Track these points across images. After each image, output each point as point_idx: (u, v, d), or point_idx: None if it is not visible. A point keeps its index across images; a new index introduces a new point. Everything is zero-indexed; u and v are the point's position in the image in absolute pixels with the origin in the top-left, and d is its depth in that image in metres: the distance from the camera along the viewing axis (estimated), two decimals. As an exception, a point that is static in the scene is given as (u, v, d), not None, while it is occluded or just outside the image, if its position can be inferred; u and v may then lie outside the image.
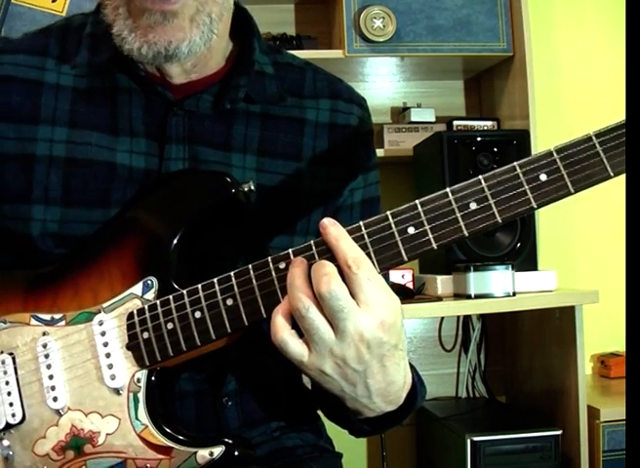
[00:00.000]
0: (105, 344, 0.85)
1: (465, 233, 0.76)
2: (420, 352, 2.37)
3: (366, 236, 0.78)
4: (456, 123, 2.25)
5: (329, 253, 0.77)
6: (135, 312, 0.85)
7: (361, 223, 0.78)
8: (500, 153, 1.98)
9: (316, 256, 0.78)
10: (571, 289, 2.07)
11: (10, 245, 0.96)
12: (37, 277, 0.91)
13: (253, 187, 0.88)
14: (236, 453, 0.84)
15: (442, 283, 1.94)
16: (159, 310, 0.84)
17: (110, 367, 0.85)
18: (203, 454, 0.83)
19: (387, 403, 0.83)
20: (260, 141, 0.99)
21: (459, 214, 0.76)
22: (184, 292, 0.83)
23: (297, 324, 0.77)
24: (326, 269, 0.75)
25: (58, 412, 0.86)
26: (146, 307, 0.85)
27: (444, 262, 1.95)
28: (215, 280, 0.82)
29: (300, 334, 0.77)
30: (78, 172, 0.94)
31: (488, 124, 2.26)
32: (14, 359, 0.88)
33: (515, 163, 0.76)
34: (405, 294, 1.88)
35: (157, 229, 0.89)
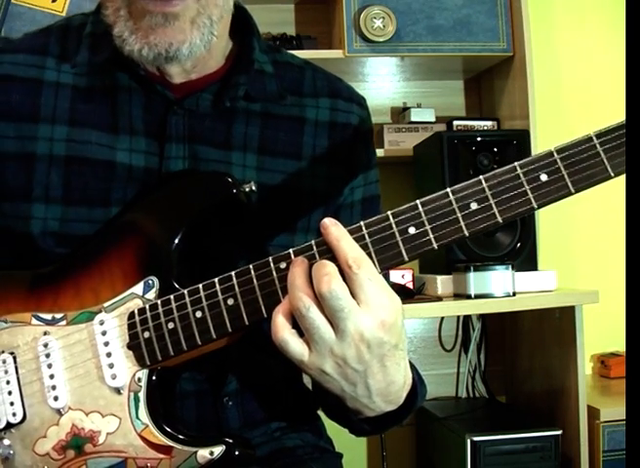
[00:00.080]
0: (106, 344, 0.86)
1: (466, 233, 0.77)
2: (420, 352, 2.37)
3: (367, 236, 0.78)
4: (456, 123, 2.25)
5: (330, 253, 0.77)
6: (136, 311, 0.85)
7: (362, 223, 0.78)
8: (500, 153, 1.98)
9: (317, 256, 0.78)
10: (571, 289, 2.07)
11: (11, 244, 0.96)
12: (38, 277, 0.91)
13: (254, 188, 0.88)
14: (236, 453, 0.84)
15: (442, 283, 1.94)
16: (160, 310, 0.84)
17: (111, 366, 0.85)
18: (203, 454, 0.83)
19: (387, 403, 0.83)
20: (261, 140, 0.99)
21: (459, 214, 0.76)
22: (185, 291, 0.83)
23: (297, 323, 0.77)
24: (327, 269, 0.75)
25: (58, 412, 0.86)
26: (147, 307, 0.85)
27: (444, 262, 1.95)
28: (216, 280, 0.82)
29: (301, 334, 0.77)
30: (78, 170, 0.94)
31: (488, 124, 2.26)
32: (15, 358, 0.88)
33: (516, 163, 0.76)
34: (405, 294, 1.88)
35: (158, 229, 0.89)
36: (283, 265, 0.80)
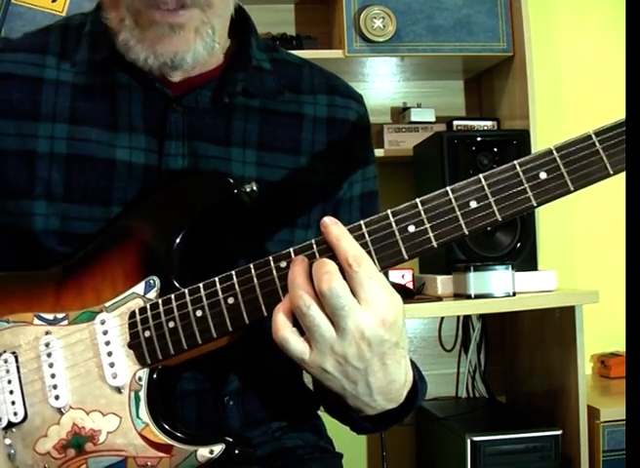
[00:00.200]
0: (107, 343, 0.86)
1: (466, 231, 0.77)
2: (421, 352, 2.37)
3: (366, 235, 0.78)
4: (456, 123, 2.25)
5: (330, 252, 0.77)
6: (136, 311, 0.85)
7: (362, 222, 0.78)
8: (500, 153, 1.98)
9: (317, 255, 0.78)
10: (571, 289, 2.07)
11: (14, 243, 0.96)
12: (40, 277, 0.92)
13: (255, 188, 0.88)
14: (236, 452, 0.84)
15: (442, 283, 1.94)
16: (161, 309, 0.84)
17: (112, 365, 0.85)
18: (203, 453, 0.83)
19: (388, 401, 0.83)
20: (260, 136, 0.99)
21: (459, 213, 0.77)
22: (186, 290, 0.84)
23: (298, 322, 0.77)
24: (327, 267, 0.75)
25: (59, 411, 0.86)
26: (148, 306, 0.85)
27: (444, 262, 1.96)
28: (216, 279, 0.82)
29: (302, 332, 0.77)
30: (79, 168, 0.94)
31: (488, 124, 2.26)
32: (16, 358, 0.88)
33: (515, 161, 0.76)
34: (405, 294, 1.87)
35: (160, 229, 0.89)
36: (283, 264, 0.80)
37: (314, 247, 0.79)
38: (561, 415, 1.96)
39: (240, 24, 1.02)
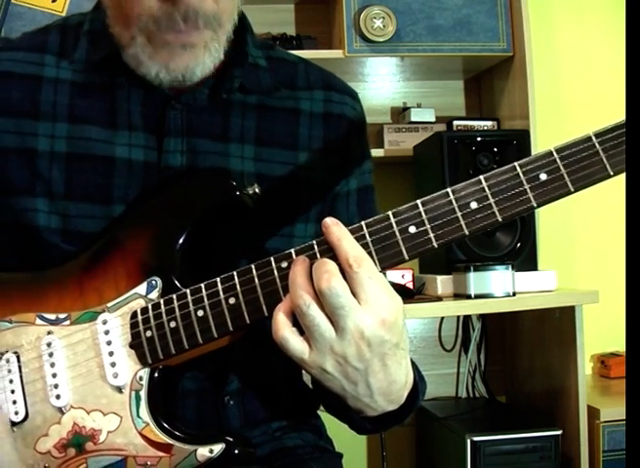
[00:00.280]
0: (109, 343, 0.86)
1: (466, 232, 0.77)
2: (421, 352, 2.37)
3: (367, 235, 0.78)
4: (456, 123, 2.25)
5: (331, 253, 0.77)
6: (138, 311, 0.85)
7: (362, 223, 0.79)
8: (500, 153, 1.98)
9: (318, 256, 0.78)
10: (571, 289, 2.07)
11: (18, 241, 0.96)
12: (42, 277, 0.92)
13: (257, 190, 0.89)
14: (236, 451, 0.84)
15: (442, 283, 1.94)
16: (162, 309, 0.84)
17: (113, 365, 0.85)
18: (203, 452, 0.83)
19: (389, 402, 0.83)
20: (257, 131, 1.00)
21: (459, 214, 0.77)
22: (187, 290, 0.84)
23: (298, 322, 0.77)
24: (327, 267, 0.75)
25: (60, 410, 0.86)
26: (150, 306, 0.85)
27: (444, 262, 1.96)
28: (217, 279, 0.83)
29: (302, 332, 0.78)
30: (79, 167, 0.95)
31: (488, 124, 2.26)
32: (18, 357, 0.88)
33: (515, 163, 0.77)
34: (405, 294, 1.88)
35: (162, 230, 0.89)
36: (284, 264, 0.80)
37: (315, 247, 0.79)
38: (561, 415, 1.96)
39: (237, 23, 1.02)
